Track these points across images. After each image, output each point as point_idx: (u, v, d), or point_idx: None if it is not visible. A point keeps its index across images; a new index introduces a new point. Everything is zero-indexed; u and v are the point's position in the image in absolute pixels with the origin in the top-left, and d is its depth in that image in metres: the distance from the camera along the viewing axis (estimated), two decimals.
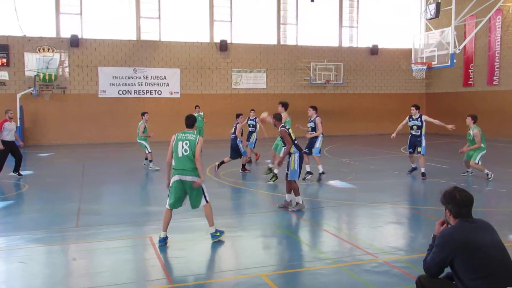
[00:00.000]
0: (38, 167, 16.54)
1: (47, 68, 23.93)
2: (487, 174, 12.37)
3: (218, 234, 7.36)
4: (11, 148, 13.33)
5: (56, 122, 24.27)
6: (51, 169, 15.93)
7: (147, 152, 15.09)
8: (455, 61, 17.77)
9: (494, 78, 25.74)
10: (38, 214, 9.55)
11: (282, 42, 28.26)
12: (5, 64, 23.39)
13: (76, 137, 24.22)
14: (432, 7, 17.75)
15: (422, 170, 12.67)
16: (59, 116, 24.27)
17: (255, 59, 27.49)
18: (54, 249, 7.23)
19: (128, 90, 25.33)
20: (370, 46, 29.46)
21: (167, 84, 25.97)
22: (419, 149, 12.74)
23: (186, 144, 7.05)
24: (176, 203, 7.19)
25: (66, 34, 24.37)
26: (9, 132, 13.25)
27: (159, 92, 25.86)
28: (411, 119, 12.89)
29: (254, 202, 10.78)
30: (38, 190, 12.14)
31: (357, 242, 7.41)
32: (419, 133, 12.74)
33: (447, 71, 27.03)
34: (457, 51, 17.67)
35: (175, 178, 7.12)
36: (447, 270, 4.05)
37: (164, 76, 25.90)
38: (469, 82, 27.48)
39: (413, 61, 18.98)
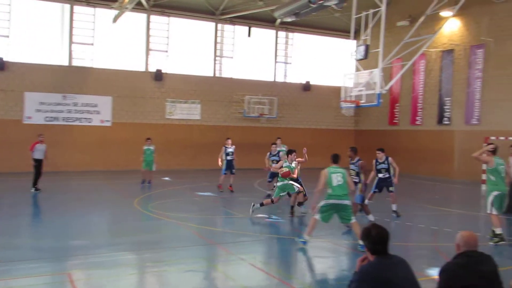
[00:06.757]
0: None
1: None
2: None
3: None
4: None
5: None
6: None
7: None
8: (381, 100, 18.57)
9: (417, 118, 27.24)
10: None
11: (217, 75, 28.52)
12: None
13: None
14: (362, 48, 18.54)
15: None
16: None
17: (190, 90, 27.46)
18: None
19: (55, 117, 24.37)
20: (303, 82, 30.38)
21: (98, 112, 25.28)
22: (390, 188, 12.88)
23: (339, 175, 9.01)
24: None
25: None
26: None
27: (89, 120, 25.09)
28: (377, 163, 13.11)
29: (181, 236, 10.56)
30: None
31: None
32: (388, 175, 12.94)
33: (374, 110, 28.23)
34: (384, 91, 18.52)
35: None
36: None
37: (96, 104, 25.21)
38: (394, 121, 28.90)
39: (343, 99, 19.68)
